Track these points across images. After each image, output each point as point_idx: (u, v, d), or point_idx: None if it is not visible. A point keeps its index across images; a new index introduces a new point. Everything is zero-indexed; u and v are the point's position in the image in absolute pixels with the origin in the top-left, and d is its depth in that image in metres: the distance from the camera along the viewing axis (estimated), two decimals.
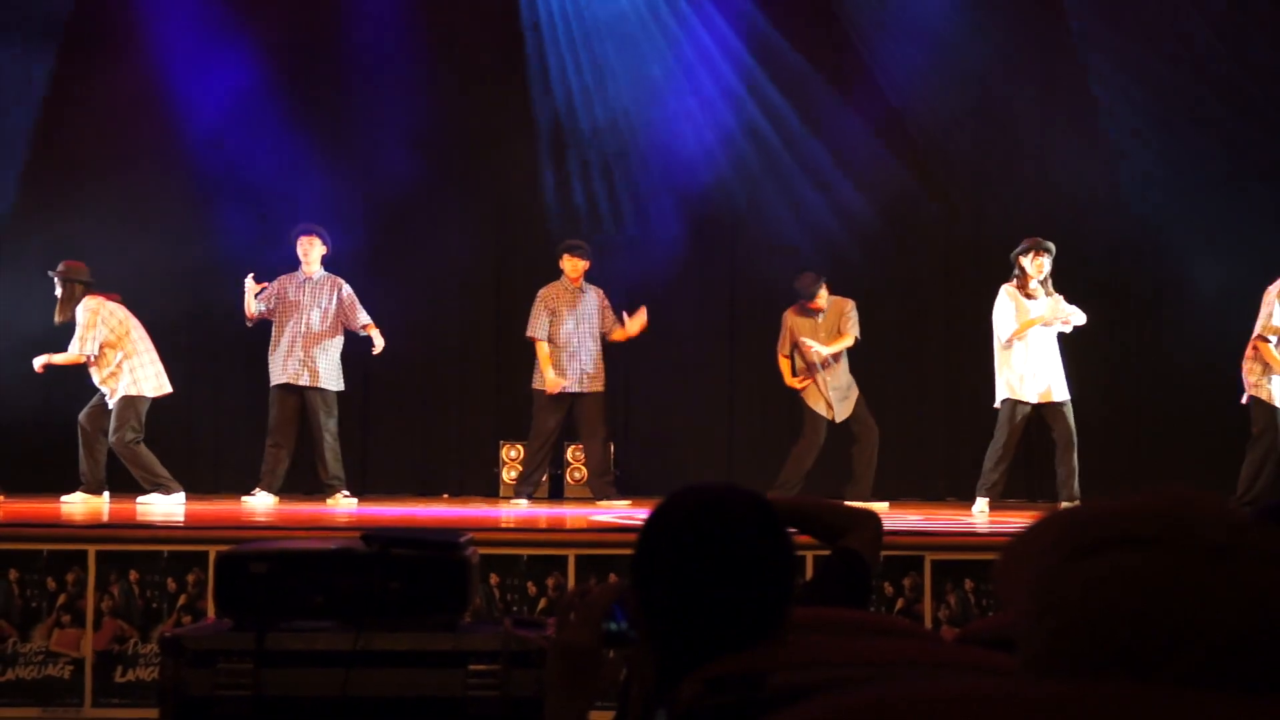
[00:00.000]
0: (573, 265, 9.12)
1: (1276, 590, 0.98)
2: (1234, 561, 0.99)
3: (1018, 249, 8.62)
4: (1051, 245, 8.59)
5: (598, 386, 9.17)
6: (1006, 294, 8.56)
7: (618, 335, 9.23)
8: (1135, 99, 10.03)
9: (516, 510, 8.68)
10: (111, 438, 8.56)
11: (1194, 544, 1.00)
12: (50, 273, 8.72)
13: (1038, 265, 8.53)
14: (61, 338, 8.75)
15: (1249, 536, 1.00)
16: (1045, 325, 8.49)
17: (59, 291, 8.66)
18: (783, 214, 10.47)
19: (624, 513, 8.18)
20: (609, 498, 9.11)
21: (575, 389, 9.08)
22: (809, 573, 5.99)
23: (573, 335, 9.08)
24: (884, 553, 6.31)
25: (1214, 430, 9.37)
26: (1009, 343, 8.52)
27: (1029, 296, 8.52)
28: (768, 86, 10.47)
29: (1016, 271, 8.58)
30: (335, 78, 10.37)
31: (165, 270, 9.72)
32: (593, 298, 9.20)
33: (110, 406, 8.60)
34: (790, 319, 9.17)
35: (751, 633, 1.78)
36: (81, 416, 8.64)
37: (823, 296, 9.10)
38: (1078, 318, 8.56)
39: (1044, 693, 0.97)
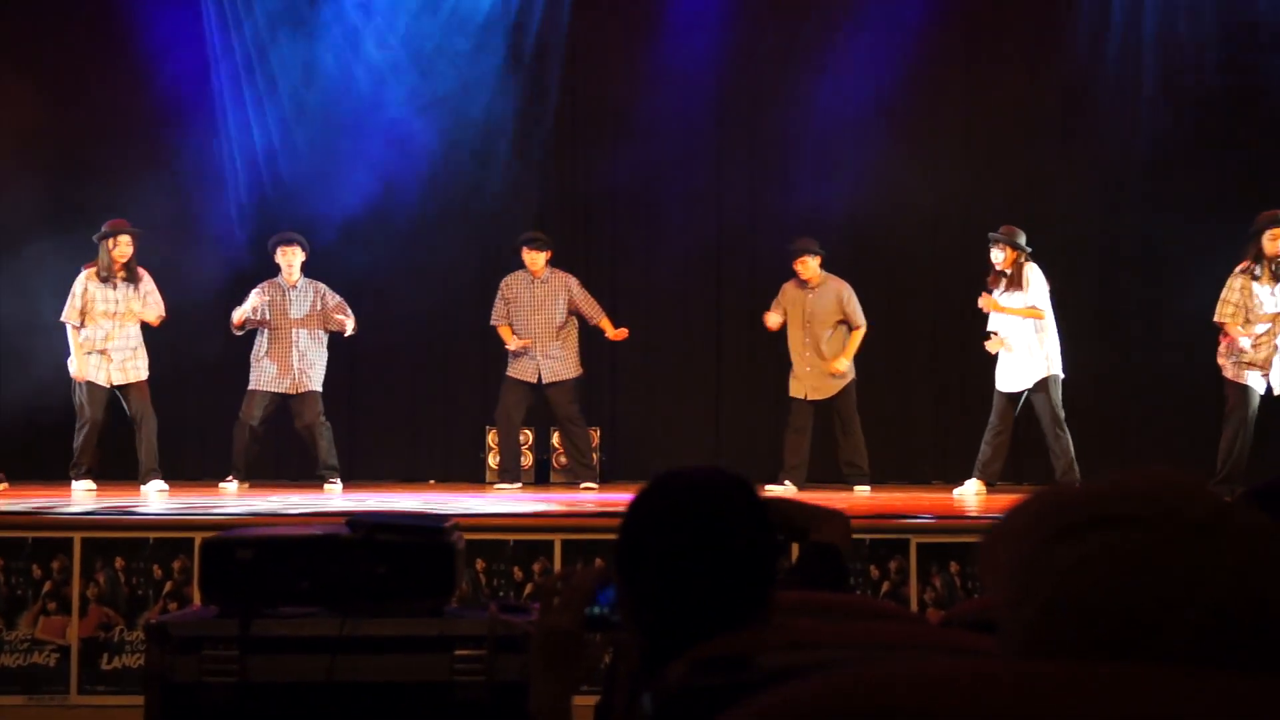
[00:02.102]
0: (530, 258, 9.18)
1: (1258, 568, 0.98)
2: (1216, 540, 0.99)
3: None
4: (993, 233, 8.70)
5: (564, 374, 9.20)
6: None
7: (604, 326, 9.22)
8: (1129, 93, 10.05)
9: (502, 495, 8.69)
10: (148, 420, 8.66)
11: (1176, 523, 1.00)
12: (95, 238, 8.72)
13: (994, 257, 8.71)
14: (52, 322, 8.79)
15: (1231, 515, 1.01)
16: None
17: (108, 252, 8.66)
18: (770, 196, 10.47)
19: (605, 498, 8.19)
20: (589, 482, 9.17)
21: (535, 379, 9.16)
22: (795, 558, 6.00)
23: (529, 326, 9.15)
24: (871, 536, 6.35)
25: (1202, 414, 9.42)
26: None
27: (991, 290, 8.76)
28: (753, 63, 10.47)
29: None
30: (325, 67, 10.31)
31: (155, 261, 9.69)
32: (556, 287, 9.21)
33: (117, 390, 8.64)
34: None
35: (736, 615, 1.78)
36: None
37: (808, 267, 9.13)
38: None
39: (1028, 673, 0.97)
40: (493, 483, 9.55)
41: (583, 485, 9.18)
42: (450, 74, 10.25)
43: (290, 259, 9.13)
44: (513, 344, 9.15)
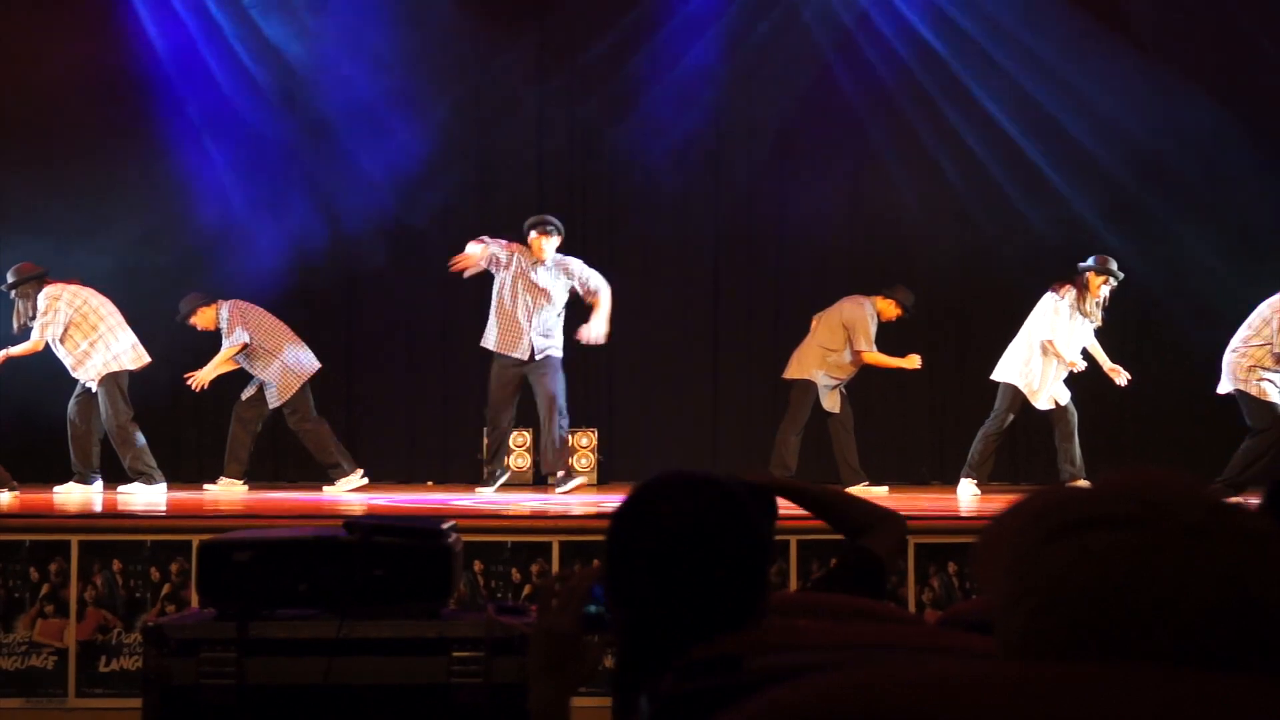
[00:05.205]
0: (538, 245, 8.68)
1: (1251, 568, 0.98)
2: (1209, 541, 0.99)
3: (1089, 262, 8.62)
4: (1120, 274, 8.63)
5: (551, 353, 8.77)
6: (1066, 306, 8.60)
7: (595, 304, 8.79)
8: (1124, 88, 10.06)
9: (494, 497, 8.60)
10: (107, 423, 8.58)
11: (1170, 524, 1.00)
12: (1, 287, 8.67)
13: (1097, 288, 8.57)
14: None
15: (1224, 516, 1.01)
16: (1068, 366, 8.64)
17: (18, 302, 8.63)
18: (768, 195, 10.48)
19: (603, 499, 8.17)
20: (563, 483, 8.85)
21: (526, 356, 8.74)
22: (793, 555, 6.01)
23: (521, 306, 8.73)
24: None
25: (1198, 416, 9.44)
26: (1040, 346, 8.62)
27: (1083, 314, 8.59)
28: (754, 59, 10.47)
29: (1079, 283, 8.61)
30: (312, 62, 10.31)
31: (144, 263, 9.68)
32: (558, 273, 8.76)
33: (94, 391, 8.60)
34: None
35: (726, 618, 1.78)
36: (70, 409, 8.67)
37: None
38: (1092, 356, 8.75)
39: (1022, 673, 0.98)
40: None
41: (558, 490, 8.82)
42: (448, 73, 10.26)
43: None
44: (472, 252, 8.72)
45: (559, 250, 8.83)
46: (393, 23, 10.20)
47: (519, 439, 9.83)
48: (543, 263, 8.77)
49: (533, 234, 8.75)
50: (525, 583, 6.02)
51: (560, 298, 8.82)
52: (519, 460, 9.84)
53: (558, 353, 8.84)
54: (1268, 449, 8.03)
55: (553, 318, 8.84)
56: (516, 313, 8.76)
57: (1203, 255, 9.69)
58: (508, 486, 9.19)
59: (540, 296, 8.76)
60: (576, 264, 8.90)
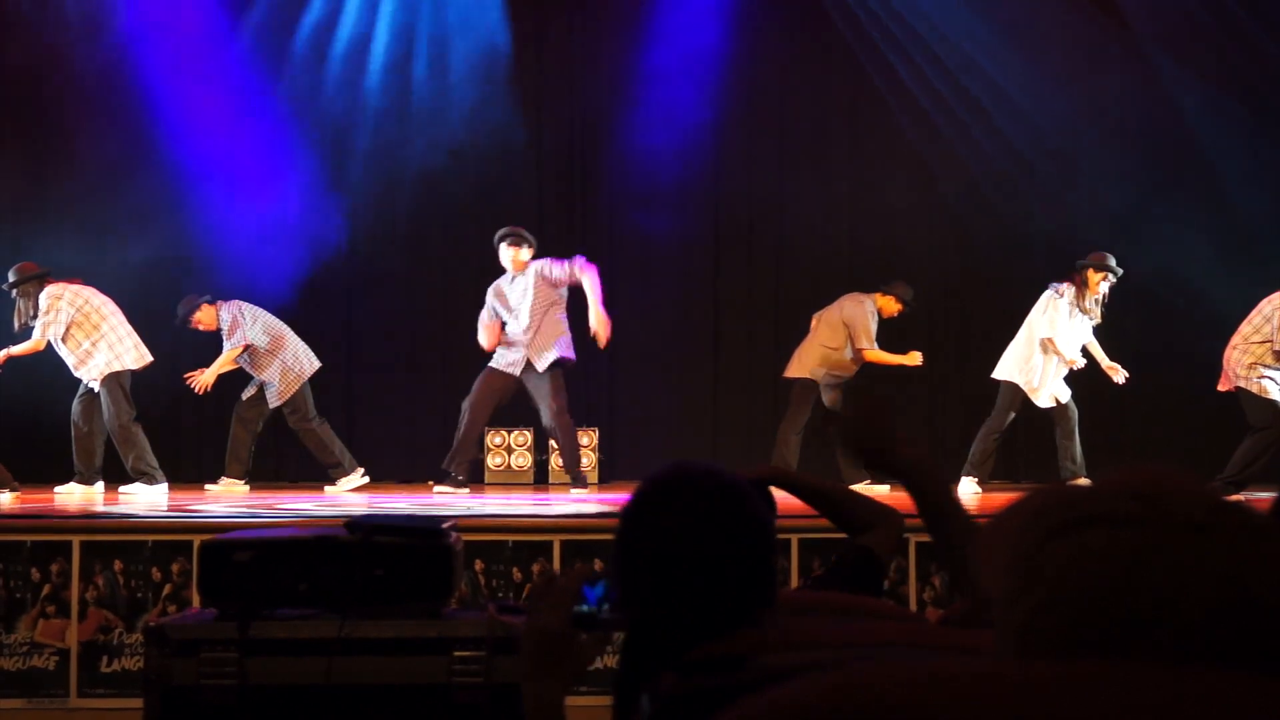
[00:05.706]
0: (506, 257, 8.63)
1: (1252, 567, 0.98)
2: (1211, 539, 0.99)
3: (1088, 260, 8.63)
4: (1119, 270, 8.66)
5: (545, 364, 8.63)
6: (1065, 303, 8.62)
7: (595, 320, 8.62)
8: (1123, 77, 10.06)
9: (497, 495, 8.60)
10: (109, 423, 8.58)
11: (1171, 522, 1.00)
12: (3, 286, 8.66)
13: (1096, 284, 8.60)
14: None
15: (1225, 514, 1.01)
16: (1067, 364, 8.67)
17: (19, 301, 8.63)
18: (768, 193, 10.47)
19: (605, 498, 8.16)
20: (579, 488, 8.76)
21: (519, 371, 8.69)
22: (794, 553, 6.01)
23: (516, 325, 8.66)
24: None
25: (1198, 414, 9.44)
26: (1041, 344, 8.63)
27: (1083, 311, 8.60)
28: (753, 58, 10.46)
29: (1078, 280, 8.63)
30: (314, 64, 10.31)
31: (145, 262, 9.68)
32: (530, 278, 8.61)
33: (97, 392, 8.60)
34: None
35: (731, 616, 1.78)
36: (74, 410, 8.68)
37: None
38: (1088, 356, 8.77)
39: (1021, 672, 0.98)
40: (493, 483, 9.48)
41: (574, 490, 8.74)
42: (446, 74, 10.26)
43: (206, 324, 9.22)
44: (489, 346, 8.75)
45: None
46: (392, 21, 10.22)
47: (519, 438, 9.84)
48: (519, 273, 8.65)
49: (500, 247, 8.67)
50: (526, 582, 6.02)
51: (539, 301, 8.62)
52: (519, 460, 9.84)
53: (548, 363, 8.65)
54: (1268, 447, 8.02)
55: (518, 330, 8.67)
56: (506, 336, 8.72)
57: (1204, 253, 9.67)
58: (508, 486, 9.21)
59: (518, 309, 8.65)
60: (543, 264, 8.68)
